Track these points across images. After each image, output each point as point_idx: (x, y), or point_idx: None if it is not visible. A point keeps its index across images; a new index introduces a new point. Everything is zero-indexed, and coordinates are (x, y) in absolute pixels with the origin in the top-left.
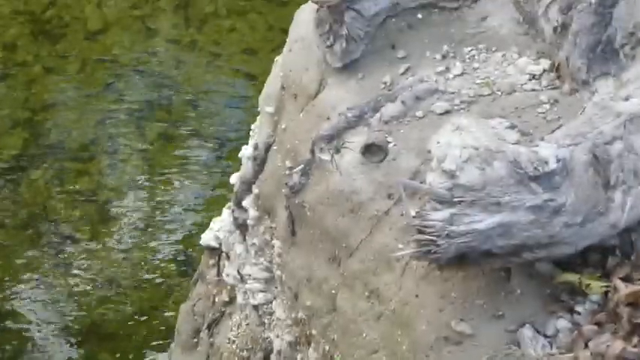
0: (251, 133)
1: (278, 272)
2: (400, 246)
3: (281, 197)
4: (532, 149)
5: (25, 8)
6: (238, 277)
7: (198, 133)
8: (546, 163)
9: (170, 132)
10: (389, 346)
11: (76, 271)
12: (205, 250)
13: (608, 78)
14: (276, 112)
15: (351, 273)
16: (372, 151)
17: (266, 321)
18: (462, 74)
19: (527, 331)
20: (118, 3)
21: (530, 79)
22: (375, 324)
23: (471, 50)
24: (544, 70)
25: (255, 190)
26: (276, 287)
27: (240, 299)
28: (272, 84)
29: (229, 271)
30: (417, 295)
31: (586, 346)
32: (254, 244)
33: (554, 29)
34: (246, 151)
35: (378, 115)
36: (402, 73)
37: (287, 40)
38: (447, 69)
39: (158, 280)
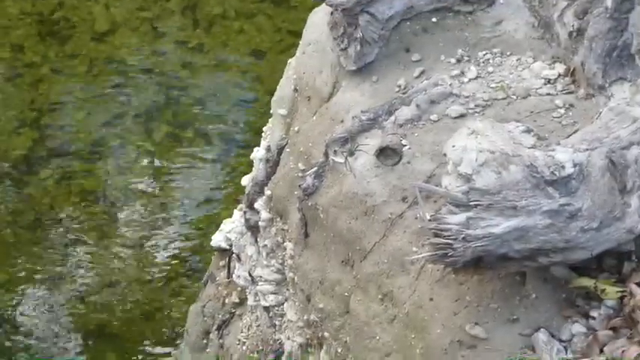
0: (263, 135)
1: (290, 274)
2: (415, 249)
3: (293, 199)
4: (548, 153)
5: (33, 9)
6: (249, 278)
7: (205, 134)
8: (563, 167)
9: (177, 133)
10: (402, 350)
11: (82, 271)
12: (215, 251)
13: (624, 83)
14: (288, 114)
15: (365, 276)
16: (387, 154)
17: (277, 323)
18: (476, 78)
19: (542, 336)
20: (126, 4)
21: (545, 84)
22: (389, 327)
23: (486, 54)
24: (559, 75)
25: (267, 191)
26: (287, 289)
27: (250, 301)
28: (285, 86)
29: (240, 273)
30: (431, 299)
31: (601, 351)
32: (265, 245)
33: (570, 34)
34: (258, 153)
35: (392, 118)
36: (417, 77)
37: (300, 42)
38: (462, 73)
39: (164, 281)
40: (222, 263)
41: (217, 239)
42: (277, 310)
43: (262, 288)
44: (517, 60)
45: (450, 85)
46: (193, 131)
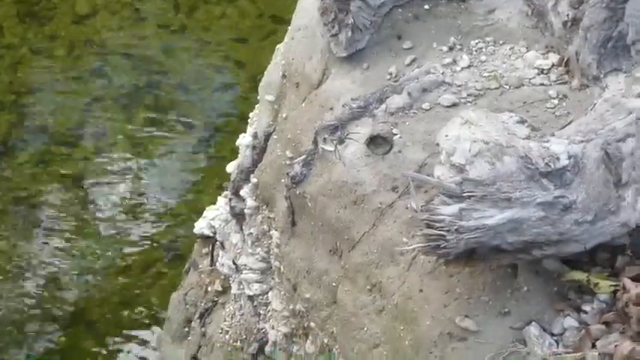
0: (249, 121)
1: (276, 263)
2: (405, 240)
3: (281, 187)
4: (543, 145)
5: None
6: (233, 267)
7: (186, 118)
8: (558, 159)
9: (157, 118)
10: (390, 341)
11: (59, 257)
12: (198, 238)
13: (619, 74)
14: (276, 100)
15: (353, 266)
16: (377, 142)
17: (261, 312)
18: (469, 67)
19: (533, 329)
20: None
21: (538, 74)
22: (377, 318)
23: (479, 42)
24: (553, 65)
25: (253, 179)
26: (273, 278)
27: (234, 289)
28: (272, 72)
29: (224, 261)
30: (421, 290)
31: (593, 345)
32: (251, 233)
33: (564, 23)
34: (244, 140)
35: (383, 106)
36: (408, 65)
37: (289, 28)
38: (454, 61)
39: (143, 267)
40: (205, 251)
41: (200, 226)
42: (262, 299)
43: (247, 276)
44: (510, 49)
45: (442, 73)
46: (174, 116)
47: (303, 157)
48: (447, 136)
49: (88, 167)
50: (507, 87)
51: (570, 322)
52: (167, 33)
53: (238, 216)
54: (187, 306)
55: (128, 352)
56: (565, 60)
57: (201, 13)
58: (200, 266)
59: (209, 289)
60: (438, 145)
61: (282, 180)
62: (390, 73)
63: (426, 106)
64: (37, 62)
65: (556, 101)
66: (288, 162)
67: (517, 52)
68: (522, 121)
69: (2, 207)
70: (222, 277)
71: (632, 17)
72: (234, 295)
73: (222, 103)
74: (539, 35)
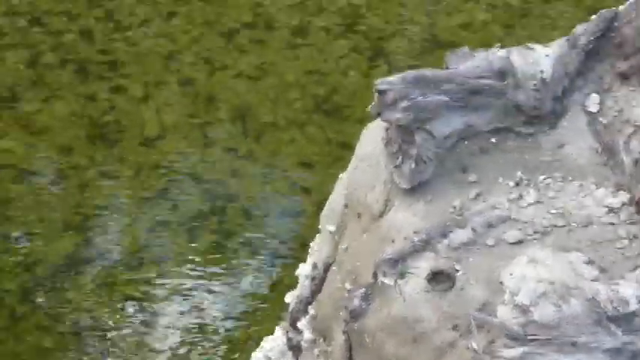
0: (310, 251)
1: None
2: None
3: (339, 320)
4: (612, 287)
5: (84, 111)
6: None
7: (250, 245)
8: (627, 303)
9: (221, 242)
10: None
11: None
12: None
13: None
14: (337, 230)
15: None
16: (439, 278)
17: None
18: (535, 203)
19: None
20: (177, 110)
21: (607, 212)
22: None
23: (546, 178)
24: (623, 204)
25: (311, 310)
26: None
27: None
28: (335, 201)
29: None
30: None
31: None
32: None
33: (636, 161)
34: (303, 270)
35: (446, 240)
36: (473, 198)
37: (352, 157)
38: (521, 196)
39: None
40: None
41: (257, 357)
42: None
43: None
44: (579, 186)
45: (508, 208)
46: (238, 241)
47: (363, 290)
48: (511, 274)
49: (150, 292)
50: (575, 225)
51: None
52: (234, 157)
53: (295, 348)
54: None
55: None
56: (636, 199)
57: (269, 137)
58: None
59: None
60: (501, 283)
61: (341, 313)
62: (454, 207)
63: (490, 242)
64: (104, 184)
65: (626, 241)
66: (347, 294)
67: (586, 189)
68: (590, 262)
69: (64, 329)
70: None
71: None
72: None
73: (287, 230)
74: (609, 173)
